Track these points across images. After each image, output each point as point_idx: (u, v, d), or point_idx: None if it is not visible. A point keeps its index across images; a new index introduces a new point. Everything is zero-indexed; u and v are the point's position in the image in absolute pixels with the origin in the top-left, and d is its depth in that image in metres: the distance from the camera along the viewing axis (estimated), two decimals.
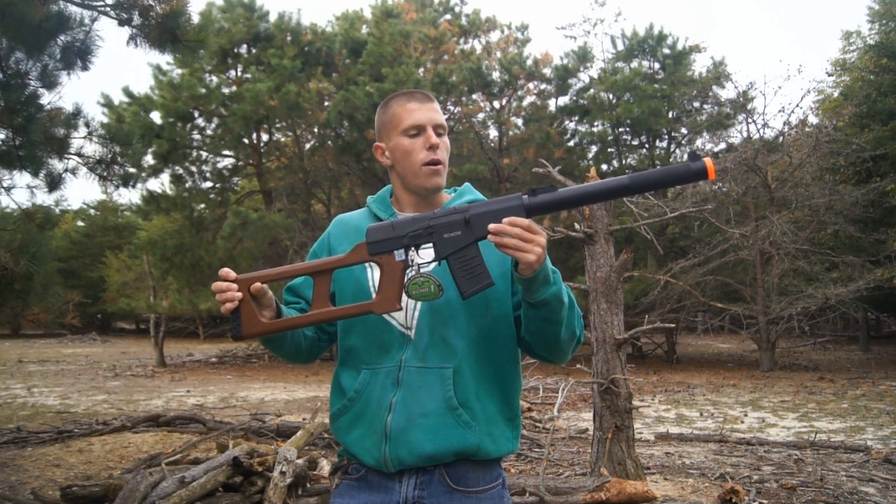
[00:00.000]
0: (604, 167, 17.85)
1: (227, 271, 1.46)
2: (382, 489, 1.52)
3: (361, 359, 1.57)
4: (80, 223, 29.71)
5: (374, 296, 1.52)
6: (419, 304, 1.53)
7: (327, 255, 1.64)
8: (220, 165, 17.85)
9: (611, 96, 16.86)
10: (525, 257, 1.34)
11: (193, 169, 16.96)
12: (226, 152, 17.36)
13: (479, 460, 1.52)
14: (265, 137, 17.63)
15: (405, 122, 1.58)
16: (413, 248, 1.46)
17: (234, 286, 1.44)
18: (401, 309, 1.47)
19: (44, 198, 15.59)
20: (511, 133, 18.21)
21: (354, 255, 1.48)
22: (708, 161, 1.38)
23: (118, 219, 28.93)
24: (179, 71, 15.24)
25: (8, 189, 5.38)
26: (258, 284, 1.45)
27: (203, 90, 15.29)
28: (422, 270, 1.47)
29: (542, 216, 1.54)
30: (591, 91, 17.08)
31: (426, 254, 1.48)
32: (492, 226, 1.36)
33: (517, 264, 1.38)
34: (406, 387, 1.50)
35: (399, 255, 1.45)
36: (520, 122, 18.34)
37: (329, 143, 17.05)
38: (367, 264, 1.56)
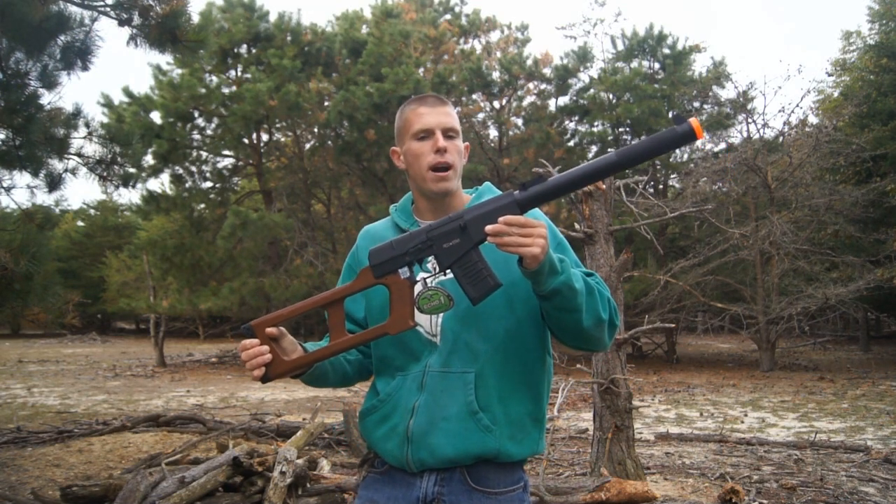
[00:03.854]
0: None
1: (250, 340, 1.48)
2: (404, 484, 1.56)
3: (395, 366, 1.61)
4: (80, 223, 29.67)
5: None
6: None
7: (358, 268, 1.66)
8: (220, 165, 17.85)
9: (611, 96, 16.86)
10: (528, 251, 1.34)
11: (193, 169, 16.95)
12: (226, 152, 17.36)
13: (500, 462, 1.54)
14: (265, 137, 17.63)
15: (415, 126, 1.60)
16: (417, 263, 1.47)
17: (265, 348, 1.47)
18: (415, 326, 1.48)
19: (44, 198, 15.55)
20: (511, 133, 18.21)
21: (360, 280, 1.49)
22: (694, 121, 1.33)
23: (118, 219, 28.90)
24: (179, 71, 15.23)
25: (8, 189, 5.38)
26: (272, 329, 1.48)
27: (203, 90, 15.28)
28: (429, 283, 1.48)
29: (540, 206, 1.52)
30: (591, 91, 17.09)
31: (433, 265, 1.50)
32: (488, 227, 1.36)
33: (520, 260, 1.38)
34: (429, 391, 1.53)
35: (404, 273, 1.45)
36: (520, 122, 18.34)
37: (329, 143, 17.05)
38: None
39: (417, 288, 1.48)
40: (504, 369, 1.54)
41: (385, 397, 1.59)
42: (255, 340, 1.47)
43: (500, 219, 1.35)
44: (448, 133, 1.59)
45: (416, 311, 1.47)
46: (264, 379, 1.47)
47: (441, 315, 1.56)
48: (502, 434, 1.51)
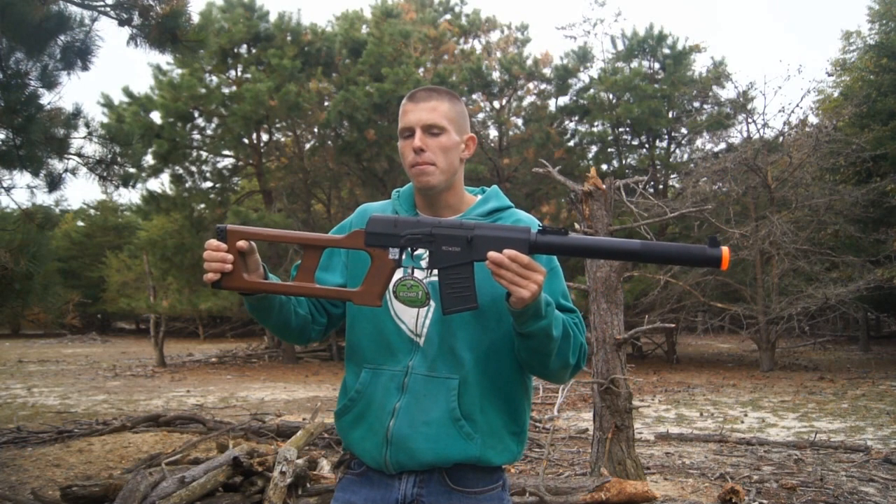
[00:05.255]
0: (604, 167, 17.85)
1: (217, 243, 1.44)
2: (383, 486, 1.54)
3: (364, 357, 1.57)
4: (80, 223, 29.68)
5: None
6: (431, 311, 1.53)
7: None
8: (220, 165, 17.87)
9: (611, 96, 16.86)
10: (519, 292, 1.34)
11: (193, 169, 16.96)
12: (226, 152, 17.37)
13: (480, 466, 1.53)
14: (265, 137, 17.64)
15: (400, 125, 1.59)
16: (409, 250, 1.45)
17: (230, 256, 1.42)
18: (380, 306, 1.46)
19: (44, 198, 15.56)
20: (511, 133, 18.21)
21: (350, 239, 1.46)
22: (725, 250, 1.35)
23: (118, 219, 28.90)
24: (179, 71, 15.24)
25: (8, 189, 5.38)
26: (244, 242, 1.44)
27: (203, 90, 15.29)
28: (414, 274, 1.46)
29: (550, 255, 1.50)
30: (591, 91, 17.09)
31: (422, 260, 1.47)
32: (491, 254, 1.35)
33: (508, 294, 1.38)
34: (411, 394, 1.50)
35: (393, 253, 1.43)
36: (520, 122, 18.35)
37: (329, 143, 17.06)
38: None
39: (399, 273, 1.46)
40: (486, 380, 1.52)
41: (356, 395, 1.56)
42: (224, 245, 1.43)
43: (505, 252, 1.34)
44: (431, 130, 1.54)
45: (393, 297, 1.45)
46: (216, 285, 1.43)
47: (430, 316, 1.53)
48: (483, 443, 1.50)
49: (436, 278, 1.48)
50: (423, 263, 1.47)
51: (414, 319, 1.54)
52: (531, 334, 1.42)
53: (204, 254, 1.44)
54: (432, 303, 1.52)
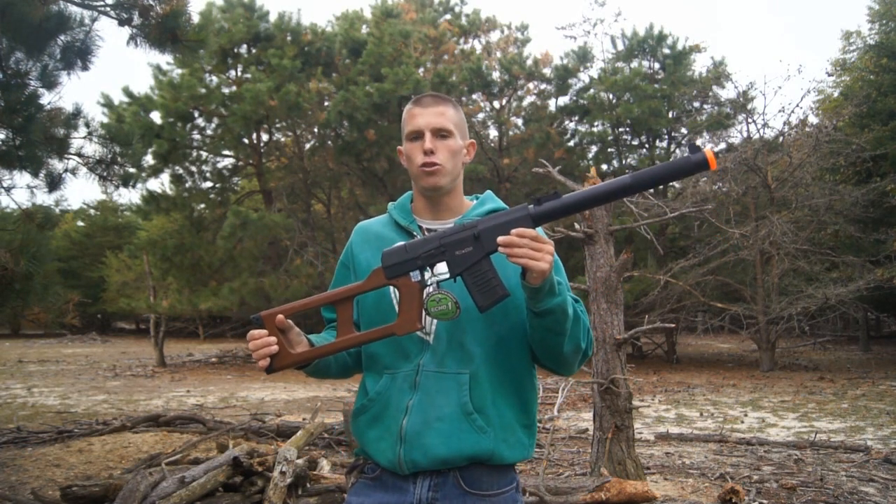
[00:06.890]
0: (604, 167, 17.84)
1: (258, 331, 1.50)
2: (397, 490, 1.54)
3: (383, 364, 1.61)
4: (80, 223, 29.69)
5: (395, 305, 1.57)
6: None
7: (352, 264, 1.69)
8: (220, 165, 17.86)
9: (611, 96, 16.86)
10: (537, 265, 1.37)
11: (193, 169, 16.96)
12: (226, 152, 17.36)
13: (493, 465, 1.54)
14: (265, 137, 17.64)
15: (408, 128, 1.63)
16: (428, 268, 1.49)
17: (273, 339, 1.48)
18: (422, 328, 1.50)
19: (44, 198, 15.57)
20: (511, 133, 18.21)
21: (372, 280, 1.53)
22: (708, 152, 1.38)
23: (118, 219, 28.92)
24: (179, 71, 15.24)
25: (8, 189, 5.38)
26: (282, 318, 1.50)
27: (203, 90, 15.29)
28: (440, 287, 1.50)
29: (553, 221, 1.55)
30: (591, 91, 17.09)
31: (441, 272, 1.51)
32: (501, 238, 1.40)
33: (524, 274, 1.41)
34: (423, 390, 1.53)
35: (415, 276, 1.48)
36: (520, 122, 18.35)
37: (329, 143, 17.06)
38: None
39: (427, 291, 1.50)
40: (496, 373, 1.55)
41: (375, 396, 1.58)
42: (264, 331, 1.50)
43: (513, 231, 1.39)
44: (439, 133, 1.60)
45: (426, 315, 1.50)
46: (269, 370, 1.50)
47: None
48: (496, 437, 1.52)
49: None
50: (445, 275, 1.50)
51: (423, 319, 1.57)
52: (549, 311, 1.44)
53: (249, 345, 1.50)
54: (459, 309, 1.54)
